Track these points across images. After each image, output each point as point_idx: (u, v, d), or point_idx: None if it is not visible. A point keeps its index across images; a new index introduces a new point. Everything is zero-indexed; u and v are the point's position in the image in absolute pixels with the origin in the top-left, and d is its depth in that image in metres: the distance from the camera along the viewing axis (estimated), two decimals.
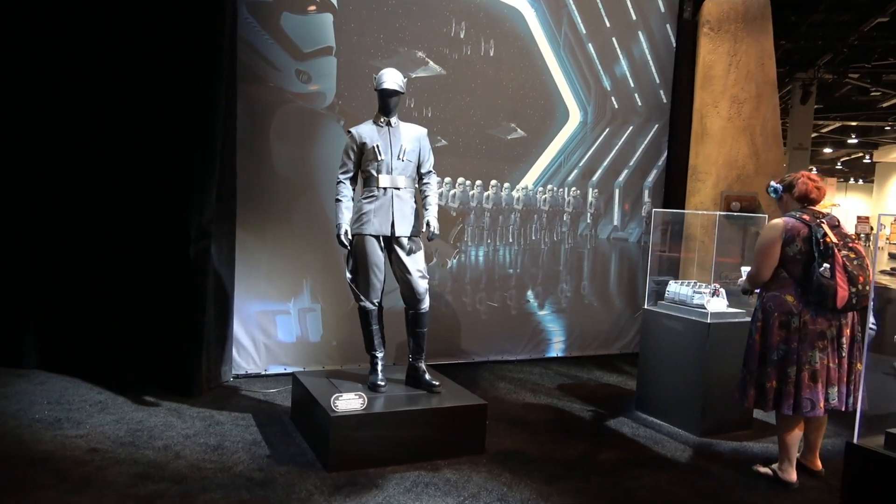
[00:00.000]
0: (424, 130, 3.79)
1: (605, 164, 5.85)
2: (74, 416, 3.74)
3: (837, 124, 24.00)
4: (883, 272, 16.19)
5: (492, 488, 3.16)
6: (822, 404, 3.23)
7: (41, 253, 4.38)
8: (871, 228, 25.69)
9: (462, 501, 3.02)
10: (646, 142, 5.99)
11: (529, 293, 5.64)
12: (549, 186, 5.62)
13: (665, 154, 6.11)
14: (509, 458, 3.55)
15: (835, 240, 3.24)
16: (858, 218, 25.08)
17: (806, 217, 3.31)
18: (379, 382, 3.67)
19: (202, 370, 4.23)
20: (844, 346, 3.28)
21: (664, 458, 3.70)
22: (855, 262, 3.22)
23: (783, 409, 3.28)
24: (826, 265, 3.19)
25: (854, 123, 23.49)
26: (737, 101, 6.03)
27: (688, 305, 4.22)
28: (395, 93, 3.68)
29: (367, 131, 3.70)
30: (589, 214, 5.82)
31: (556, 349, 5.82)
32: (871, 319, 2.93)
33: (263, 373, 4.73)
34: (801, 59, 16.11)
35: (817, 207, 3.42)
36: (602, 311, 5.94)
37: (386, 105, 3.70)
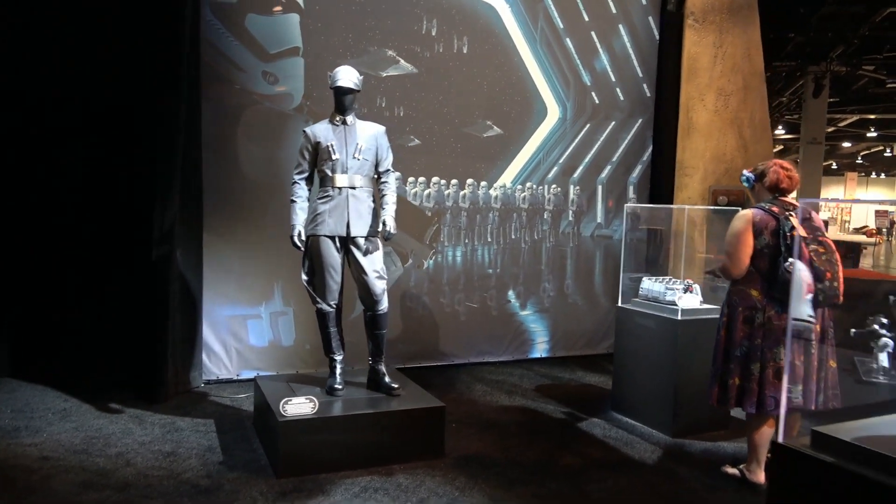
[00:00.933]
0: (382, 129, 3.72)
1: (587, 160, 5.73)
2: (34, 425, 3.72)
3: (855, 118, 23.53)
4: None
5: (443, 493, 3.08)
6: (786, 403, 3.10)
7: (5, 259, 4.38)
8: (893, 222, 25.16)
9: None
10: (629, 137, 5.87)
11: (510, 293, 5.54)
12: (529, 184, 5.52)
13: (650, 149, 5.98)
14: (469, 461, 3.46)
15: (803, 233, 3.11)
16: (877, 212, 24.55)
17: (775, 209, 3.18)
18: (336, 386, 3.61)
19: (167, 376, 4.19)
20: (813, 342, 3.14)
21: (631, 461, 3.58)
22: (823, 258, 3.08)
23: (746, 407, 3.16)
24: (792, 260, 3.06)
25: (872, 116, 23.02)
26: (723, 94, 5.88)
27: (660, 302, 4.10)
28: (349, 91, 3.61)
29: (321, 130, 3.64)
30: (571, 212, 5.70)
31: (540, 350, 5.71)
32: (809, 311, 2.79)
33: (235, 378, 4.68)
34: (812, 52, 15.80)
35: (789, 198, 3.30)
36: (587, 311, 5.82)
37: (341, 103, 3.64)
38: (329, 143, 3.59)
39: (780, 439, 1.91)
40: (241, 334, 4.69)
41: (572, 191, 5.69)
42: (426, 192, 5.17)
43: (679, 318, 3.90)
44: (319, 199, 3.61)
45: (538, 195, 5.56)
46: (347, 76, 3.60)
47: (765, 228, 3.14)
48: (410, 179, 5.12)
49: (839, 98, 19.70)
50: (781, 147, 27.98)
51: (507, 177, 5.43)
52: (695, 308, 4.01)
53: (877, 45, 14.43)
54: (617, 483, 3.28)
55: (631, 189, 5.95)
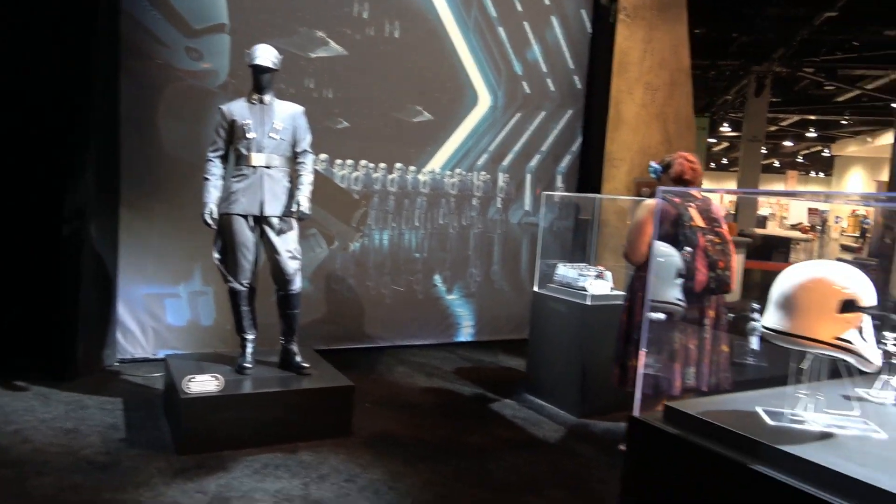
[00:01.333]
0: (300, 109, 3.71)
1: (517, 148, 5.82)
2: None
3: (796, 118, 24.36)
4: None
5: (344, 470, 3.13)
6: (678, 383, 3.24)
7: None
8: (825, 220, 26.20)
9: (308, 482, 2.98)
10: (559, 127, 5.98)
11: (437, 277, 5.61)
12: (458, 170, 5.58)
13: (579, 140, 6.10)
14: (377, 440, 3.52)
15: (701, 224, 3.24)
16: (809, 210, 25.54)
17: (677, 199, 3.31)
18: (245, 365, 3.61)
19: (78, 353, 4.12)
20: (707, 327, 3.29)
21: (536, 440, 3.70)
22: (717, 247, 3.22)
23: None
24: (688, 249, 3.19)
25: (812, 117, 23.89)
26: (651, 88, 6.03)
27: (573, 288, 4.21)
28: (267, 69, 3.60)
29: (237, 108, 3.62)
30: (499, 199, 5.79)
31: (466, 334, 5.80)
32: (677, 295, 2.94)
33: (152, 357, 4.62)
34: (755, 52, 16.28)
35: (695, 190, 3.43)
36: (512, 296, 5.93)
37: (258, 82, 3.62)
38: (245, 122, 3.57)
39: (636, 413, 2.01)
40: (158, 313, 4.63)
41: (501, 178, 5.78)
42: (354, 174, 5.18)
43: (588, 303, 4.02)
44: (234, 177, 3.59)
45: (467, 181, 5.63)
46: (265, 55, 3.59)
47: (666, 218, 3.26)
48: (338, 162, 5.12)
49: (781, 98, 20.37)
50: (727, 144, 28.79)
51: (437, 162, 5.48)
52: (604, 294, 4.14)
53: (815, 49, 14.98)
54: (518, 461, 3.38)
55: (559, 178, 6.07)
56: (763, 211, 29.54)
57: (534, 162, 5.91)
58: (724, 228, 3.34)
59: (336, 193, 5.11)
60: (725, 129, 25.26)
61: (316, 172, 5.02)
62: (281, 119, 3.62)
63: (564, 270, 4.34)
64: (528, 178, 5.91)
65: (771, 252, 14.85)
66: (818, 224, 25.73)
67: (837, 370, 1.93)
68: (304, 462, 3.18)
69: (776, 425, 1.82)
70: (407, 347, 5.48)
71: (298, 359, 3.70)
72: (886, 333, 2.18)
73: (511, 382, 4.75)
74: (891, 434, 1.80)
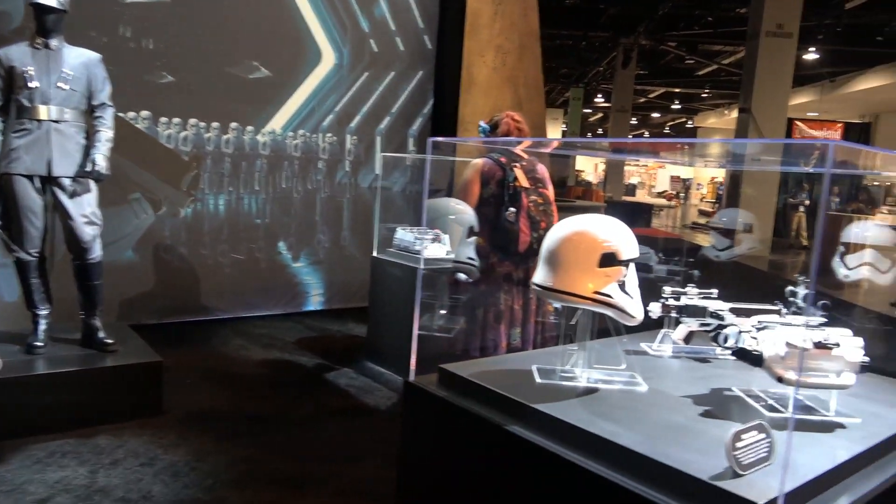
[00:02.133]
0: (97, 56, 3.31)
1: (365, 110, 5.62)
2: None
3: (662, 90, 25.63)
4: (685, 226, 17.66)
5: (143, 453, 2.88)
6: (504, 344, 3.23)
7: None
8: (688, 188, 27.94)
9: (97, 469, 2.71)
10: (410, 88, 5.82)
11: (281, 244, 5.35)
12: (301, 132, 5.31)
13: (431, 102, 5.98)
14: (191, 418, 3.28)
15: (525, 184, 3.21)
16: (672, 177, 27.17)
17: (503, 159, 3.25)
18: (37, 343, 3.24)
19: None
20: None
21: (366, 408, 3.59)
22: (541, 208, 3.21)
23: (470, 350, 3.25)
24: (512, 209, 3.15)
25: (677, 90, 25.22)
26: (501, 51, 5.99)
27: (409, 252, 4.11)
28: (51, 10, 3.17)
29: (17, 53, 3.17)
30: (348, 162, 5.58)
31: (315, 302, 5.60)
32: (470, 254, 2.92)
33: None
34: (623, 24, 16.85)
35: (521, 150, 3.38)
36: (364, 263, 5.73)
37: (42, 24, 3.19)
38: (26, 69, 3.14)
39: (411, 378, 1.92)
40: None
41: (349, 141, 5.56)
42: (182, 134, 4.79)
43: (421, 266, 3.94)
44: (15, 132, 3.16)
45: (312, 144, 5.37)
46: None
47: (492, 178, 3.21)
48: (163, 120, 4.70)
49: (648, 71, 21.31)
50: (601, 115, 29.91)
51: (277, 122, 5.18)
52: (439, 258, 4.06)
53: (675, 23, 15.70)
54: (341, 431, 3.27)
55: (411, 141, 5.94)
56: (633, 179, 31.11)
57: (384, 124, 5.74)
58: (549, 190, 3.34)
59: (162, 154, 4.71)
60: (599, 99, 26.22)
61: (138, 131, 4.64)
62: (71, 67, 3.21)
63: (402, 234, 4.23)
64: (378, 140, 5.73)
65: (634, 218, 15.61)
66: (681, 191, 27.37)
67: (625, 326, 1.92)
68: (99, 447, 2.90)
69: (544, 383, 1.78)
70: (250, 319, 5.21)
71: (101, 335, 3.36)
72: (665, 288, 2.21)
73: (354, 350, 4.62)
74: (654, 386, 1.81)
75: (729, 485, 1.23)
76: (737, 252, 3.35)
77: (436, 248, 4.11)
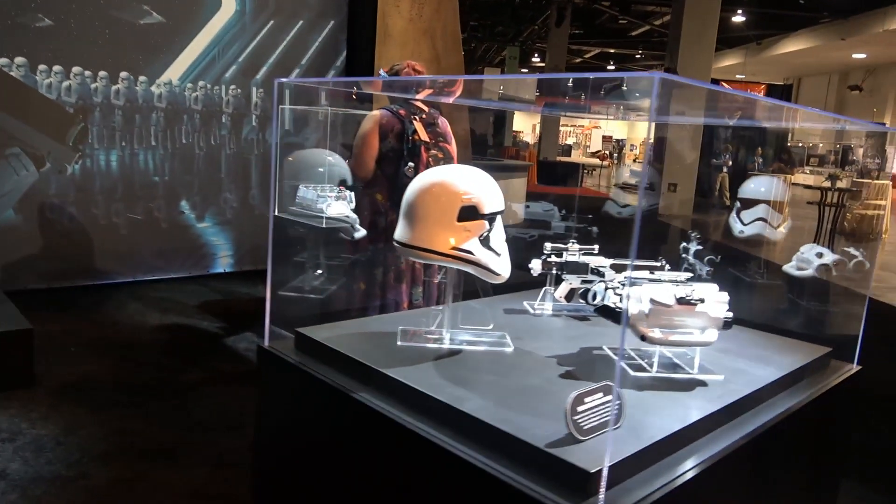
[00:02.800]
0: None
1: (272, 61, 5.31)
2: None
3: (598, 50, 25.68)
4: (617, 186, 17.93)
5: (6, 428, 2.66)
6: (405, 304, 3.12)
7: None
8: (621, 147, 28.39)
9: None
10: (320, 39, 5.54)
11: (183, 203, 5.05)
12: (202, 83, 4.98)
13: (344, 54, 5.71)
14: (68, 389, 3.06)
15: (425, 138, 3.06)
16: (604, 137, 27.54)
17: (402, 112, 3.08)
18: None
19: None
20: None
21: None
22: (440, 163, 3.07)
23: (369, 311, 3.13)
24: (411, 164, 3.00)
25: (612, 50, 25.32)
26: (418, 2, 5.75)
27: (312, 210, 3.92)
28: None
29: None
30: (254, 116, 5.29)
31: (223, 264, 5.35)
32: (345, 211, 2.80)
33: None
34: None
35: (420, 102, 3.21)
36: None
37: None
38: None
39: (266, 344, 1.78)
40: None
41: (255, 93, 5.27)
42: (65, 83, 4.40)
43: (324, 225, 3.76)
44: None
45: (214, 96, 5.05)
46: None
47: (390, 131, 3.05)
48: (42, 68, 4.31)
49: (583, 31, 21.27)
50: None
51: (174, 73, 4.83)
52: (345, 216, 3.90)
53: None
54: (228, 398, 3.11)
55: (323, 96, 5.66)
56: (569, 140, 31.33)
57: (293, 76, 5.44)
58: (451, 145, 3.21)
59: (42, 106, 4.33)
60: (535, 59, 26.10)
61: (13, 80, 4.24)
62: None
63: (304, 192, 4.02)
64: (287, 94, 5.43)
65: (565, 178, 15.71)
66: (615, 151, 27.72)
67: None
68: None
69: (405, 345, 1.67)
70: (150, 283, 4.93)
71: None
72: (547, 244, 2.12)
73: (260, 314, 4.42)
74: (523, 346, 1.72)
75: (564, 452, 1.15)
76: (634, 211, 3.31)
77: (339, 206, 3.94)
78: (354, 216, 2.88)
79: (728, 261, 3.35)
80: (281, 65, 5.35)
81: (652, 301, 1.53)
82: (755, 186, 2.98)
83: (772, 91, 18.52)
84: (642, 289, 1.56)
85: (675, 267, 2.72)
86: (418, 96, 3.25)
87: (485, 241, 1.60)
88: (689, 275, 1.68)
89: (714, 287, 1.59)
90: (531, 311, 2.12)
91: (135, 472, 2.44)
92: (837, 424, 1.92)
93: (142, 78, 4.70)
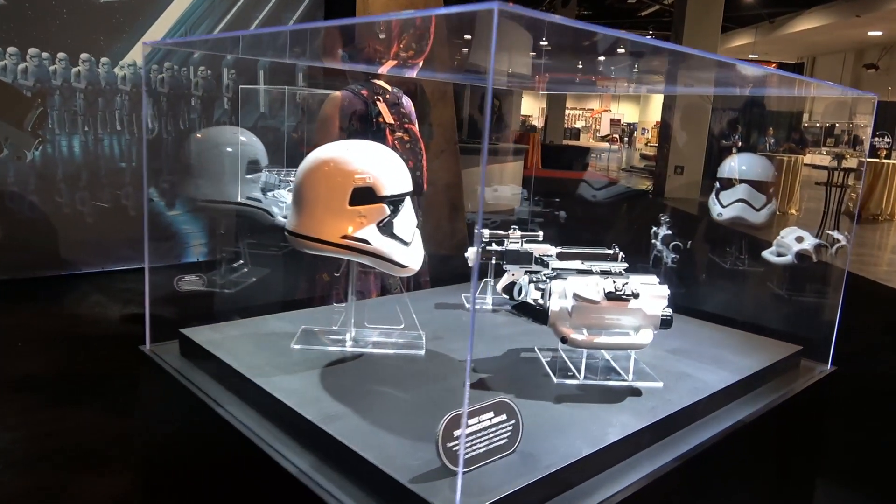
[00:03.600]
0: None
1: None
2: None
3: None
4: (624, 169, 17.58)
5: None
6: (374, 294, 2.93)
7: None
8: (633, 130, 27.97)
9: None
10: (297, 16, 5.31)
11: (153, 191, 4.86)
12: (168, 64, 4.77)
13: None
14: (1, 388, 2.89)
15: (389, 119, 2.84)
16: (612, 121, 27.07)
17: (365, 92, 2.86)
18: None
19: None
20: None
21: None
22: (407, 146, 2.86)
23: (291, 307, 2.94)
24: None
25: (621, 32, 24.82)
26: None
27: (276, 197, 3.72)
28: None
29: None
30: (226, 99, 5.08)
31: (196, 253, 5.17)
32: (254, 193, 2.58)
33: None
34: None
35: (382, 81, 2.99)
36: None
37: None
38: None
39: (147, 347, 1.58)
40: None
41: (227, 75, 5.05)
42: (21, 66, 4.21)
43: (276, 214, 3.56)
44: None
45: (181, 78, 4.84)
46: None
47: (353, 113, 2.83)
48: None
49: (592, 11, 20.84)
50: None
51: (138, 54, 4.63)
52: (256, 200, 3.71)
53: None
54: None
55: (301, 76, 5.44)
56: (578, 124, 30.87)
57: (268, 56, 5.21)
58: (416, 126, 3.00)
59: None
60: (544, 42, 25.61)
61: None
62: None
63: (267, 177, 3.81)
64: (261, 74, 5.22)
65: (571, 162, 15.37)
66: (625, 135, 27.25)
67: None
68: None
69: (300, 348, 1.46)
70: (117, 273, 4.76)
71: None
72: (485, 231, 1.90)
73: (230, 304, 4.25)
74: (441, 347, 1.51)
75: (427, 489, 0.93)
76: (612, 193, 3.07)
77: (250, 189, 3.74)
78: (275, 199, 2.65)
79: (708, 246, 3.12)
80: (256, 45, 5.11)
81: (575, 297, 1.31)
82: (735, 165, 2.73)
83: (782, 70, 18.01)
84: (567, 282, 1.34)
85: (647, 254, 2.49)
86: (381, 69, 3.02)
87: (385, 229, 1.38)
88: (626, 265, 1.45)
89: (653, 279, 1.37)
90: (467, 305, 1.91)
91: (56, 479, 2.26)
92: (806, 434, 1.69)
93: (104, 60, 4.50)
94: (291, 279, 2.77)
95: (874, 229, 9.22)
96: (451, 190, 4.85)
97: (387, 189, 1.37)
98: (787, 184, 9.15)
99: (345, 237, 1.35)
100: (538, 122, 28.28)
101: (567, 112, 28.07)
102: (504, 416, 1.05)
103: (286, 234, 1.45)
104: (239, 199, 2.35)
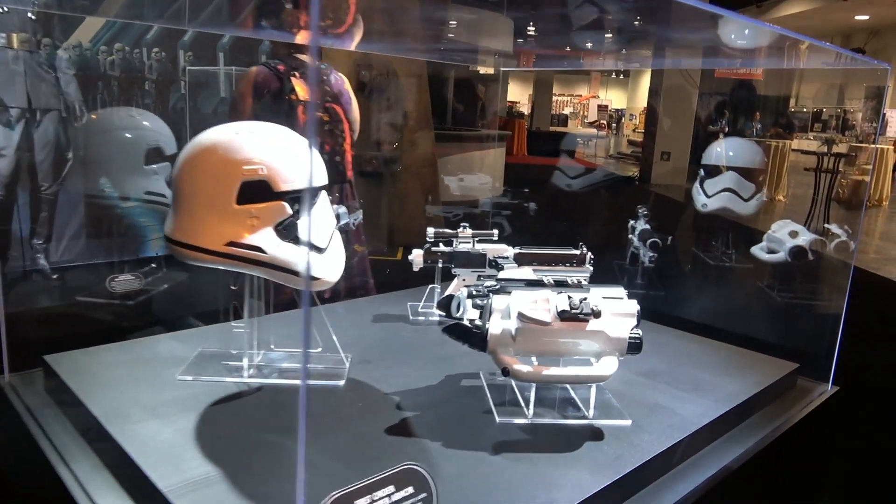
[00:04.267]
0: None
1: (203, 17, 4.75)
2: None
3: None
4: (611, 156, 17.34)
5: None
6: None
7: None
8: (621, 116, 27.76)
9: None
10: None
11: (103, 182, 4.54)
12: (118, 45, 4.44)
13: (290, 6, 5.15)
14: None
15: (304, 97, 2.53)
16: (599, 107, 26.83)
17: (281, 67, 2.55)
18: None
19: None
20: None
21: None
22: (325, 128, 2.55)
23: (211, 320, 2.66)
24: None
25: (610, 17, 24.50)
26: None
27: None
28: None
29: None
30: (184, 84, 4.75)
31: (155, 248, 4.85)
32: (156, 188, 2.30)
33: None
34: None
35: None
36: None
37: None
38: None
39: (5, 376, 1.29)
40: None
41: (183, 57, 4.72)
42: None
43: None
44: None
45: (133, 60, 4.52)
46: None
47: (266, 89, 2.53)
48: None
49: None
50: None
51: (83, 35, 4.30)
52: (160, 194, 3.42)
53: None
54: None
55: (263, 58, 5.12)
56: (566, 110, 30.55)
57: (227, 38, 4.90)
58: (345, 106, 2.69)
59: None
60: None
61: None
62: None
63: None
64: (221, 57, 4.90)
65: (558, 148, 15.08)
66: (613, 121, 26.97)
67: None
68: None
69: (186, 379, 1.19)
70: (68, 269, 4.45)
71: None
72: (430, 230, 1.63)
73: (185, 304, 3.96)
74: (365, 375, 1.24)
75: None
76: (591, 181, 2.80)
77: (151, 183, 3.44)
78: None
79: (691, 240, 2.85)
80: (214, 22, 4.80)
81: (521, 316, 1.04)
82: (722, 150, 2.46)
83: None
84: (511, 298, 1.07)
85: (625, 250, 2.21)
86: (297, 39, 2.71)
87: (287, 233, 1.11)
88: (589, 272, 1.19)
89: (619, 292, 1.10)
90: (412, 316, 1.64)
91: None
92: (805, 473, 1.44)
93: (45, 41, 4.16)
94: (208, 287, 2.47)
95: (867, 216, 9.03)
96: (423, 178, 4.58)
97: (286, 183, 1.09)
98: (774, 170, 8.98)
99: (231, 244, 1.07)
100: (525, 109, 27.94)
101: (555, 98, 27.72)
102: (410, 490, 0.78)
103: (165, 239, 1.17)
104: (141, 195, 2.05)
